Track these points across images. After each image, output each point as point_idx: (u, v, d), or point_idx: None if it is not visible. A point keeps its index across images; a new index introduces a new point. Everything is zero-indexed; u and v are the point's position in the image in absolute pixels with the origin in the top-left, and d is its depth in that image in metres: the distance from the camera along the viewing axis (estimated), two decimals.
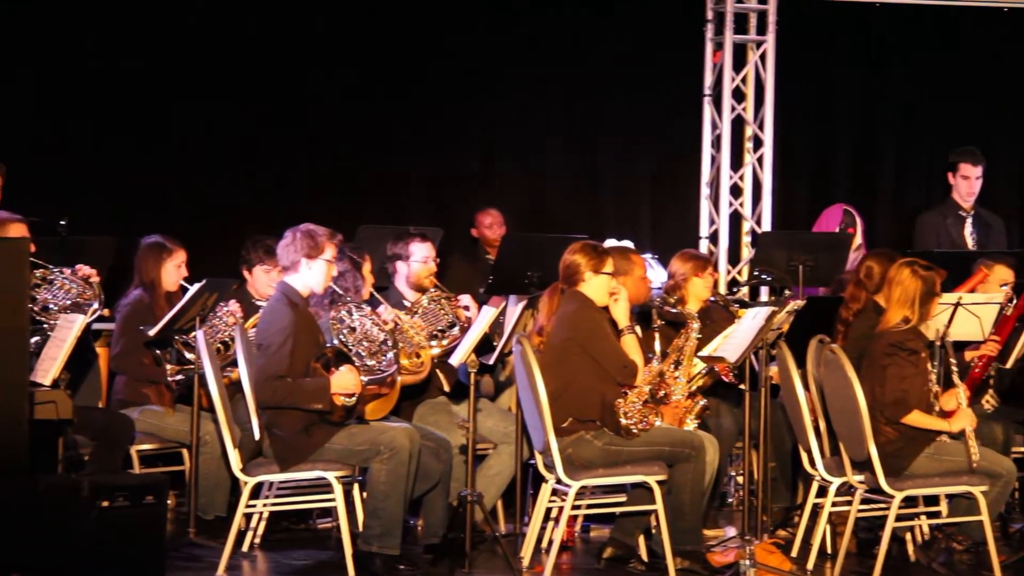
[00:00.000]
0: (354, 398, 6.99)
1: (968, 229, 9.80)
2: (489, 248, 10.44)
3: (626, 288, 7.69)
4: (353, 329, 7.22)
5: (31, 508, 6.47)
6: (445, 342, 7.85)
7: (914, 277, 7.19)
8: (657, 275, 9.14)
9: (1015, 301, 7.96)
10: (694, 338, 7.63)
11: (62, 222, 8.08)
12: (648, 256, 9.34)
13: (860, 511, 7.27)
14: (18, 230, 7.45)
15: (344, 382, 6.97)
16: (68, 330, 7.16)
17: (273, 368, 6.95)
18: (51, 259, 7.53)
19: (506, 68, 11.24)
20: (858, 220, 9.94)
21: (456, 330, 7.86)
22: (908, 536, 7.59)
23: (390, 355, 7.20)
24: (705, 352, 7.63)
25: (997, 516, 7.49)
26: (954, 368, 7.26)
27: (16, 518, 6.41)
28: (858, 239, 9.81)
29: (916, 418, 7.07)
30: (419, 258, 8.08)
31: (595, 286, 7.31)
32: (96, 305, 7.46)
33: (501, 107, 11.28)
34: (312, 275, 7.17)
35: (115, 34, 10.31)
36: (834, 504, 7.38)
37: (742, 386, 7.80)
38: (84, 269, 7.52)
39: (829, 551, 7.59)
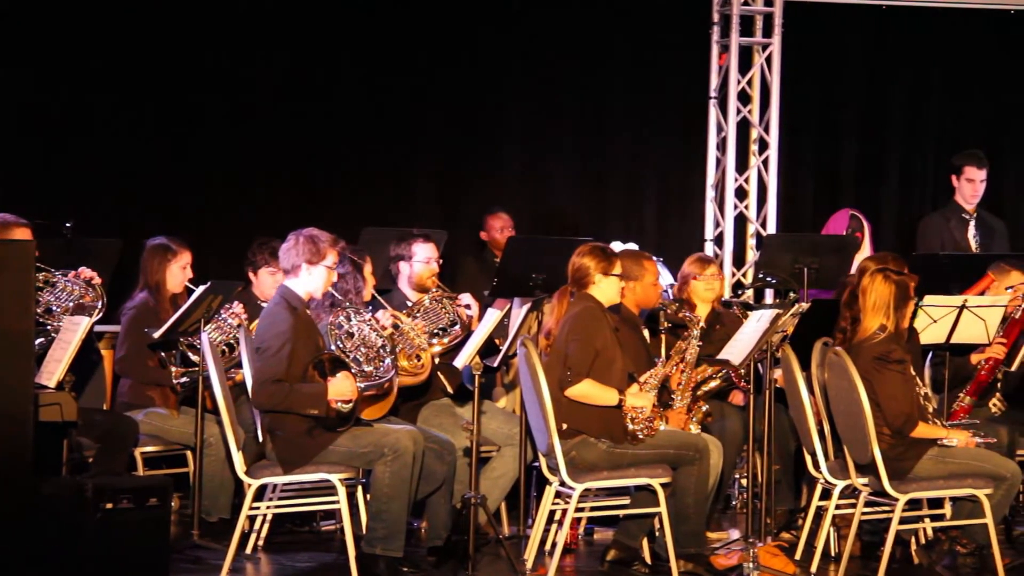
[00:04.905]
0: (351, 404, 6.99)
1: (971, 232, 9.80)
2: (497, 251, 10.43)
3: (636, 293, 7.72)
4: (351, 335, 7.22)
5: (35, 510, 6.48)
6: (446, 340, 7.87)
7: (886, 283, 7.13)
8: (663, 278, 9.14)
9: None
10: (695, 344, 7.62)
11: (67, 225, 8.11)
12: (653, 259, 9.34)
13: (864, 514, 7.27)
14: (23, 233, 7.47)
15: (341, 388, 6.96)
16: (73, 332, 7.16)
17: (270, 372, 6.95)
18: (56, 262, 7.55)
19: (511, 70, 11.24)
20: (866, 224, 9.92)
21: (457, 328, 7.87)
22: (912, 539, 7.58)
23: (388, 361, 7.20)
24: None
25: (1001, 519, 7.49)
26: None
27: (20, 520, 6.42)
28: (866, 243, 9.80)
29: (922, 430, 7.07)
30: (422, 259, 8.09)
31: (604, 288, 7.32)
32: (99, 307, 7.48)
33: (506, 109, 11.28)
34: (312, 280, 7.16)
35: (118, 33, 10.29)
36: (838, 507, 7.37)
37: (744, 384, 7.80)
38: (86, 271, 7.54)
39: (833, 554, 7.58)
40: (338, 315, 7.23)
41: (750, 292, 10.65)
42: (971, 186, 9.83)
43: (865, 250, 9.62)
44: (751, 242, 11.27)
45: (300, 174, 10.77)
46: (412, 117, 10.99)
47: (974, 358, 8.05)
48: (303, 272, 7.15)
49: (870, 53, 11.65)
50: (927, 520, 7.49)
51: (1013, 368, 8.01)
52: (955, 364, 8.02)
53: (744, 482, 8.66)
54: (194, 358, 7.81)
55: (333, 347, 7.14)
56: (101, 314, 7.52)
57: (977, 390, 7.96)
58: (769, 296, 10.60)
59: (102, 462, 7.52)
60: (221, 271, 8.96)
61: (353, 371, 7.05)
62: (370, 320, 7.28)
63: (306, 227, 7.25)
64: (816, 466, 7.44)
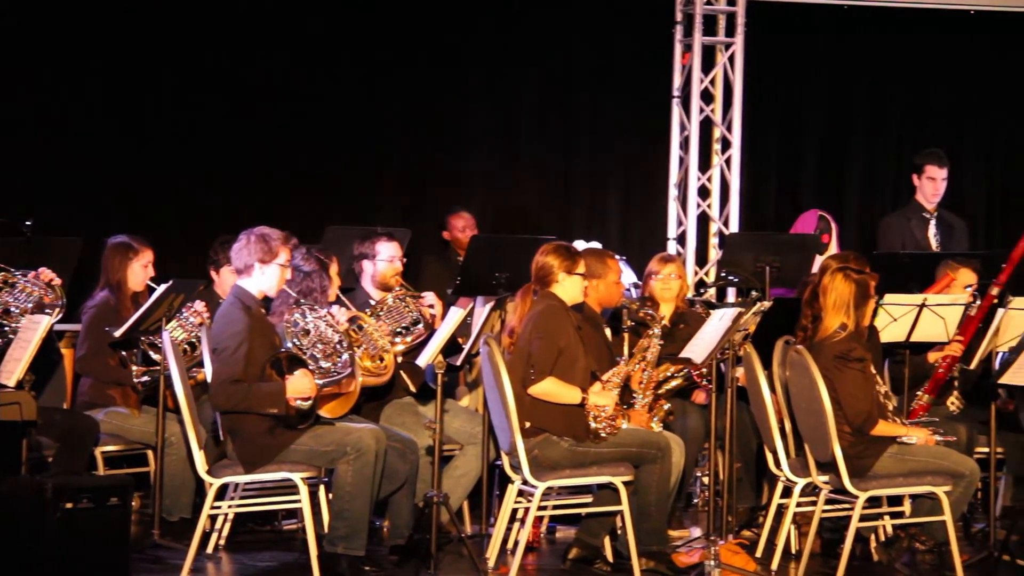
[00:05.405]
0: (309, 401, 6.98)
1: (932, 231, 9.85)
2: (460, 250, 10.42)
3: (599, 292, 7.73)
4: (307, 332, 7.19)
5: None
6: (409, 339, 7.87)
7: (847, 282, 7.17)
8: (626, 277, 9.16)
9: (979, 302, 8.01)
10: (656, 344, 7.63)
11: (27, 223, 8.06)
12: (616, 258, 9.36)
13: (824, 511, 7.30)
14: None
15: (299, 386, 6.95)
16: (33, 331, 7.12)
17: (227, 372, 6.92)
18: (16, 260, 7.51)
19: (476, 70, 11.24)
20: (833, 226, 9.97)
21: (420, 327, 7.87)
22: (872, 536, 7.62)
23: (345, 356, 7.17)
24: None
25: (960, 516, 7.54)
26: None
27: None
28: (833, 245, 9.84)
29: (882, 428, 7.10)
30: (385, 257, 8.08)
31: (568, 287, 7.33)
32: (59, 307, 7.43)
33: (469, 109, 11.27)
34: (265, 279, 7.13)
35: (84, 32, 10.26)
36: (799, 504, 7.40)
37: (707, 384, 7.82)
38: (46, 273, 7.49)
39: (793, 551, 7.62)
40: (293, 312, 7.21)
41: (712, 291, 10.68)
42: (932, 185, 9.87)
43: (832, 251, 9.67)
44: (713, 241, 11.30)
45: (264, 172, 10.74)
46: (374, 117, 10.97)
47: (931, 356, 8.10)
48: (256, 271, 7.12)
49: (832, 53, 11.69)
50: (887, 517, 7.54)
51: (972, 366, 8.05)
52: (913, 363, 8.06)
53: (706, 480, 8.69)
54: (155, 357, 7.79)
55: (289, 344, 7.12)
56: (61, 314, 7.48)
57: (935, 388, 8.02)
58: (731, 295, 10.63)
59: (62, 461, 7.48)
60: (183, 270, 8.93)
61: (311, 368, 7.04)
62: (326, 316, 7.25)
63: (267, 225, 7.23)
64: (777, 464, 7.46)
